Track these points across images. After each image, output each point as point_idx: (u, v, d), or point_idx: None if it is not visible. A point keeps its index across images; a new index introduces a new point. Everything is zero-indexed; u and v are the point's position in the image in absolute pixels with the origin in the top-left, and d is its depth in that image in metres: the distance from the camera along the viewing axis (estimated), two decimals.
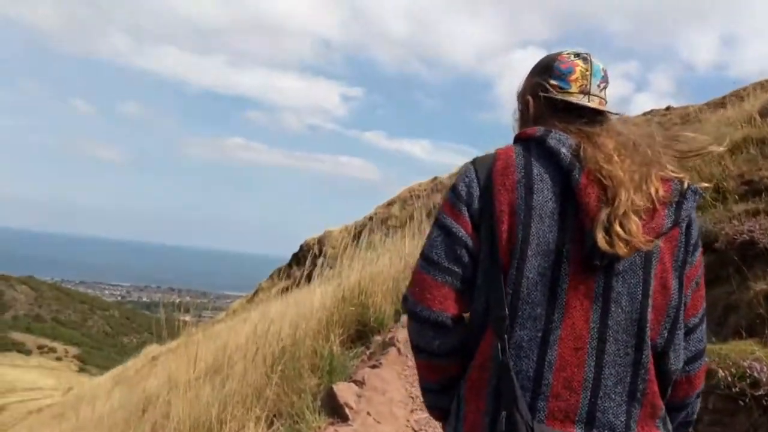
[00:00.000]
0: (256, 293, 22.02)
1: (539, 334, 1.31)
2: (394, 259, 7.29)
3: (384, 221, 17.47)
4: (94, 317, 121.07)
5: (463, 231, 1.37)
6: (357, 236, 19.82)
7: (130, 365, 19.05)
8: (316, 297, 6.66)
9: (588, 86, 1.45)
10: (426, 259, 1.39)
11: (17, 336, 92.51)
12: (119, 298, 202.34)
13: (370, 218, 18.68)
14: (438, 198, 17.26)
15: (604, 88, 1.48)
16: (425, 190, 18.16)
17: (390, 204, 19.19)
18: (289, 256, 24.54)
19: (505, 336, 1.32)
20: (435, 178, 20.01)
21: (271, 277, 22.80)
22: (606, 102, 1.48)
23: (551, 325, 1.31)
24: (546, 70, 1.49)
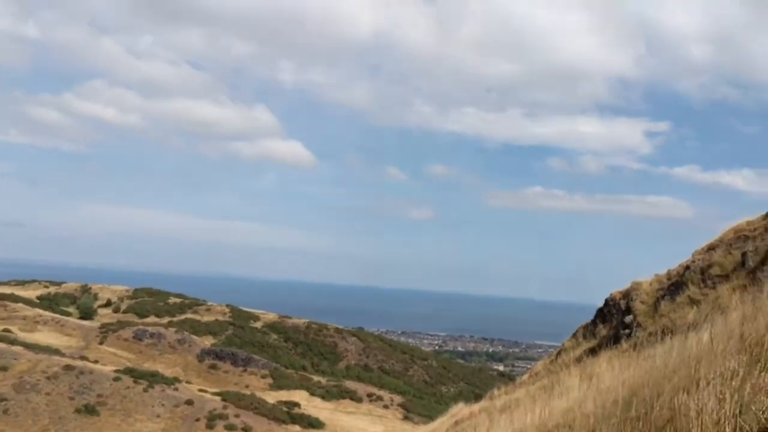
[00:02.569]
0: (558, 354, 20.59)
1: None
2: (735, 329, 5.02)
3: (704, 270, 14.86)
4: (415, 366, 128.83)
5: None
6: (671, 289, 17.26)
7: (438, 425, 19.04)
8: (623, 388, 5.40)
9: None
10: None
11: (350, 384, 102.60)
12: (437, 347, 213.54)
13: (687, 267, 16.10)
14: None
15: None
16: (757, 229, 15.07)
17: (711, 248, 16.34)
18: (594, 305, 23.21)
19: None
20: None
21: (574, 335, 21.18)
22: None
23: None
24: None
